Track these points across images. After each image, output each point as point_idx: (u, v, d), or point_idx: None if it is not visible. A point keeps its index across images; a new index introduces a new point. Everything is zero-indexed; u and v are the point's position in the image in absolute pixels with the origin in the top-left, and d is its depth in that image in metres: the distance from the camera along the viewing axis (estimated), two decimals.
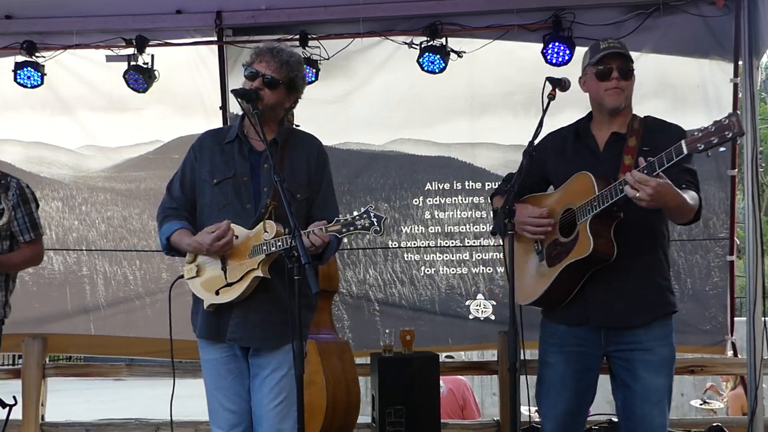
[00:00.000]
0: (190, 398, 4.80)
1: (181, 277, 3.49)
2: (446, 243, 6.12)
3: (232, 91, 3.34)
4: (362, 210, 3.09)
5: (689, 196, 3.18)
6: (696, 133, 2.93)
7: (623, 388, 3.39)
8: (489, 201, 3.87)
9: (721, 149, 2.91)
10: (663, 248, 3.43)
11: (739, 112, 5.44)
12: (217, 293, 3.31)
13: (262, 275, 3.23)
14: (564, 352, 3.40)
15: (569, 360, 3.40)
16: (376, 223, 3.06)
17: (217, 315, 3.35)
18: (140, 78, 5.72)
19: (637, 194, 2.99)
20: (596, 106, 3.47)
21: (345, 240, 3.33)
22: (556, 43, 5.41)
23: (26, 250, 4.29)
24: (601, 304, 3.33)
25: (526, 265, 3.52)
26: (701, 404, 8.88)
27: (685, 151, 2.92)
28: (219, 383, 3.40)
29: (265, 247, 3.19)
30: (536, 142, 3.29)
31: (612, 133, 3.42)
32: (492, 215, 3.87)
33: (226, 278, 3.30)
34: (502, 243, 3.73)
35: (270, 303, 3.29)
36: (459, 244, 6.10)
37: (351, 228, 3.09)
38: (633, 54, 5.48)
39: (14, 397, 4.47)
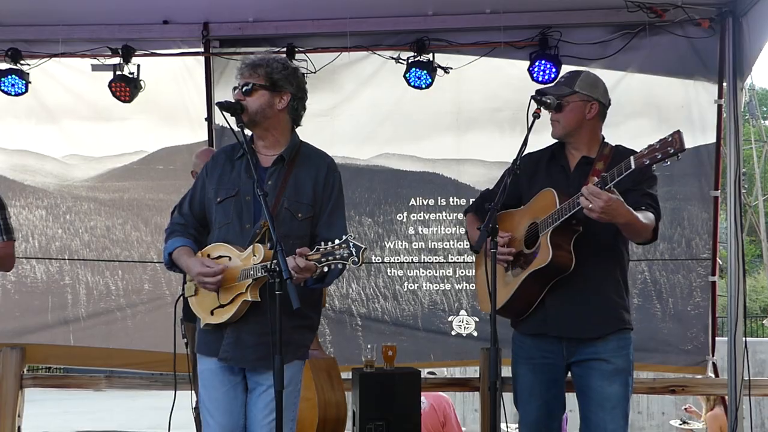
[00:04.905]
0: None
1: (183, 294, 3.50)
2: (430, 259, 6.11)
3: (216, 104, 3.32)
4: (343, 238, 3.03)
5: (644, 216, 3.34)
6: (644, 150, 3.11)
7: (581, 396, 3.57)
8: (464, 217, 3.98)
9: (666, 163, 3.06)
10: (621, 268, 3.61)
11: (723, 132, 5.50)
12: (212, 313, 3.32)
13: (251, 299, 3.21)
14: (532, 363, 3.60)
15: (536, 370, 3.59)
16: (354, 254, 3.01)
17: (213, 332, 3.35)
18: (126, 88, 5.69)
19: (590, 205, 3.15)
20: None
21: None
22: (543, 61, 5.44)
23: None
24: (559, 314, 3.49)
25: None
26: (680, 424, 8.88)
27: (633, 166, 3.12)
28: (211, 395, 3.37)
29: (251, 272, 3.17)
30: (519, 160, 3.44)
31: (582, 156, 3.60)
32: (467, 232, 3.93)
33: (218, 299, 3.30)
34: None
35: (264, 325, 3.14)
36: (442, 260, 6.10)
37: (330, 258, 3.03)
38: (618, 73, 5.61)
39: None
